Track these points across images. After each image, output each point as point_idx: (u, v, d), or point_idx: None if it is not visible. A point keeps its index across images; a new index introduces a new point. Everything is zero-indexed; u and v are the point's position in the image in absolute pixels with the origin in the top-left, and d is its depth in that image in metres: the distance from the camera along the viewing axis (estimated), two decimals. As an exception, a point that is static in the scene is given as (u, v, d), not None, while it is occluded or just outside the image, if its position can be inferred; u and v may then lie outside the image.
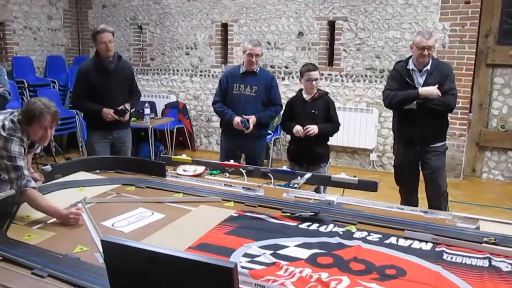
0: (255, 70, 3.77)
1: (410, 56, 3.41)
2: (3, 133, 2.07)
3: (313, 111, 3.57)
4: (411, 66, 3.34)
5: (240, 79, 3.78)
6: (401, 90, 3.30)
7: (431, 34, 3.41)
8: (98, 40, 3.59)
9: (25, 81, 6.35)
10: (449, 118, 3.58)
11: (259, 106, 3.81)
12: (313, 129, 3.40)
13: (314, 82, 3.49)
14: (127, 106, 3.70)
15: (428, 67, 3.29)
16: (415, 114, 3.25)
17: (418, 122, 3.25)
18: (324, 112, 3.55)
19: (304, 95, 3.61)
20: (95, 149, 3.68)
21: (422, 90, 3.21)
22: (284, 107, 3.85)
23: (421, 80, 3.30)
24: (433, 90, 3.18)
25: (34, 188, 2.06)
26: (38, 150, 2.62)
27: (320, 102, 3.61)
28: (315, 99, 3.58)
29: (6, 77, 3.96)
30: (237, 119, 3.67)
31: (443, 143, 3.44)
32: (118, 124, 3.73)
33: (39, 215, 2.01)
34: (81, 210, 2.07)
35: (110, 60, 3.65)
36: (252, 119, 3.68)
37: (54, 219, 1.98)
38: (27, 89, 6.42)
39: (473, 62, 5.39)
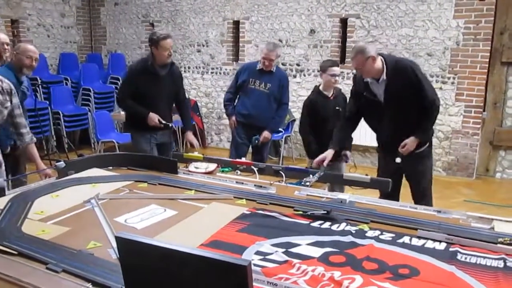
0: (272, 69, 3.92)
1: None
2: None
3: (337, 107, 3.57)
4: (367, 78, 2.99)
5: (257, 75, 3.93)
6: (361, 106, 3.11)
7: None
8: (162, 45, 3.49)
9: (38, 78, 6.42)
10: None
11: (272, 103, 3.95)
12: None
13: (337, 78, 3.52)
14: (168, 124, 3.67)
15: (384, 76, 2.93)
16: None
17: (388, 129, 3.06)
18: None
19: (325, 92, 3.58)
20: (144, 149, 3.63)
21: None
22: (302, 109, 3.76)
23: (381, 90, 2.98)
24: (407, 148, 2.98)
25: None
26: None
27: (340, 98, 3.64)
28: (336, 95, 3.60)
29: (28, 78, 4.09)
30: (233, 120, 3.95)
31: (426, 145, 3.15)
32: (162, 128, 3.69)
33: (53, 211, 2.03)
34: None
35: (164, 65, 3.59)
36: (266, 134, 3.95)
37: (68, 215, 2.00)
38: (40, 86, 6.49)
39: (487, 60, 5.32)
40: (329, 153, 3.12)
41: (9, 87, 2.65)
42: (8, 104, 2.63)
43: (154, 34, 3.58)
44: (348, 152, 3.65)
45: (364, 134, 5.94)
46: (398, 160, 3.06)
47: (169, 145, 3.92)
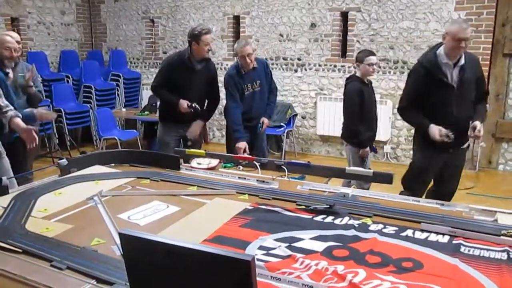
0: (254, 65, 3.83)
1: (434, 48, 3.11)
2: None
3: (374, 95, 3.84)
4: (444, 59, 3.00)
5: (245, 78, 3.84)
6: (433, 90, 3.04)
7: (468, 24, 3.12)
8: (202, 40, 3.57)
9: (39, 76, 6.40)
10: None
11: (265, 97, 3.98)
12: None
13: (374, 67, 3.67)
14: (198, 106, 3.72)
15: (462, 60, 3.00)
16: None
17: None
18: None
19: (366, 81, 3.76)
20: (165, 141, 3.81)
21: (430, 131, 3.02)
22: (351, 98, 3.74)
23: (455, 76, 3.02)
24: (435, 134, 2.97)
25: None
26: None
27: (371, 86, 3.86)
28: (370, 83, 3.84)
29: (39, 78, 4.13)
30: (243, 145, 3.72)
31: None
32: (190, 120, 3.81)
33: (57, 208, 2.04)
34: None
35: (202, 60, 3.69)
36: (266, 121, 3.98)
37: (71, 212, 2.01)
38: (41, 84, 6.47)
39: (489, 52, 5.30)
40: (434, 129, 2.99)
41: None
42: None
43: (195, 30, 3.65)
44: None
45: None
46: (451, 150, 3.12)
47: (197, 140, 3.96)
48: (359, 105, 3.66)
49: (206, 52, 3.63)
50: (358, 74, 3.79)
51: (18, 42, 3.76)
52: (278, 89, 4.63)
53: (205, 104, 4.00)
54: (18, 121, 2.84)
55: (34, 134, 2.74)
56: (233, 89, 3.83)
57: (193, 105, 3.67)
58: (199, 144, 3.95)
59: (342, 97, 3.92)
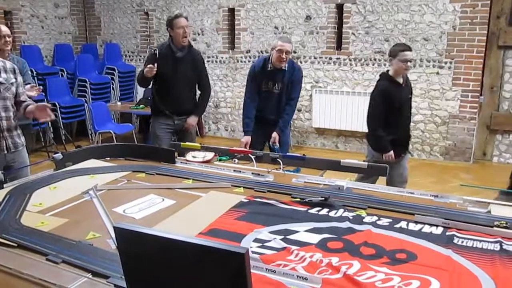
0: (283, 67, 3.65)
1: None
2: None
3: (410, 96, 3.43)
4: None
5: (269, 75, 3.68)
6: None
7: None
8: (175, 25, 3.60)
9: (33, 70, 6.38)
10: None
11: (281, 103, 3.75)
12: None
13: (409, 63, 3.29)
14: (156, 49, 3.67)
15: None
16: None
17: None
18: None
19: (398, 79, 3.35)
20: (156, 134, 3.80)
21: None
22: (373, 100, 3.46)
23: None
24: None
25: None
26: None
27: (409, 85, 3.47)
28: (406, 82, 3.40)
29: (29, 72, 4.09)
30: (246, 140, 3.68)
31: None
32: (181, 112, 3.79)
33: (52, 202, 2.04)
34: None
35: (182, 47, 3.67)
36: (274, 136, 3.73)
37: (67, 206, 2.00)
38: (35, 78, 6.45)
39: (484, 44, 5.31)
40: None
41: (12, 66, 2.86)
42: (14, 80, 2.83)
43: (169, 17, 3.71)
44: None
45: (362, 121, 5.95)
46: None
47: (190, 134, 3.94)
48: (383, 108, 3.33)
49: (182, 37, 3.61)
50: (390, 71, 3.40)
51: (8, 36, 3.73)
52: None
53: (197, 97, 3.99)
54: (30, 108, 2.87)
55: (48, 110, 2.76)
56: (252, 79, 3.76)
57: (153, 50, 3.65)
58: (191, 137, 3.91)
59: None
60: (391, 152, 3.33)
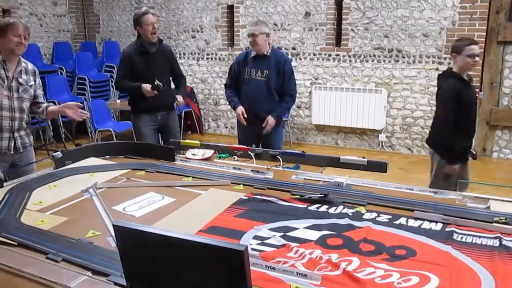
0: (265, 53, 3.65)
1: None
2: None
3: (476, 95, 3.24)
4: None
5: (251, 63, 3.70)
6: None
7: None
8: (143, 22, 3.61)
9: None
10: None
11: (272, 93, 3.67)
12: None
13: (477, 59, 3.00)
14: (160, 83, 3.65)
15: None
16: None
17: None
18: None
19: (465, 77, 3.07)
20: (142, 132, 3.78)
21: None
22: (445, 101, 3.12)
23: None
24: None
25: None
26: None
27: (471, 84, 3.21)
28: (470, 80, 3.15)
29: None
30: (240, 109, 3.67)
31: None
32: (162, 106, 3.79)
33: (52, 201, 2.04)
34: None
35: (152, 43, 3.68)
36: (271, 121, 3.63)
37: (67, 205, 2.01)
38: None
39: (483, 39, 5.30)
40: None
41: (33, 68, 2.90)
42: (32, 82, 2.86)
43: (135, 15, 3.72)
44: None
45: (361, 117, 5.95)
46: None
47: (173, 129, 3.95)
48: (455, 108, 3.00)
49: (151, 33, 3.63)
50: (454, 68, 3.10)
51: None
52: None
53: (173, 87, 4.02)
54: (52, 108, 2.90)
55: (77, 109, 2.78)
56: (232, 68, 3.84)
57: (156, 83, 3.63)
58: (174, 133, 3.91)
59: (435, 96, 3.31)
60: (457, 165, 3.09)
